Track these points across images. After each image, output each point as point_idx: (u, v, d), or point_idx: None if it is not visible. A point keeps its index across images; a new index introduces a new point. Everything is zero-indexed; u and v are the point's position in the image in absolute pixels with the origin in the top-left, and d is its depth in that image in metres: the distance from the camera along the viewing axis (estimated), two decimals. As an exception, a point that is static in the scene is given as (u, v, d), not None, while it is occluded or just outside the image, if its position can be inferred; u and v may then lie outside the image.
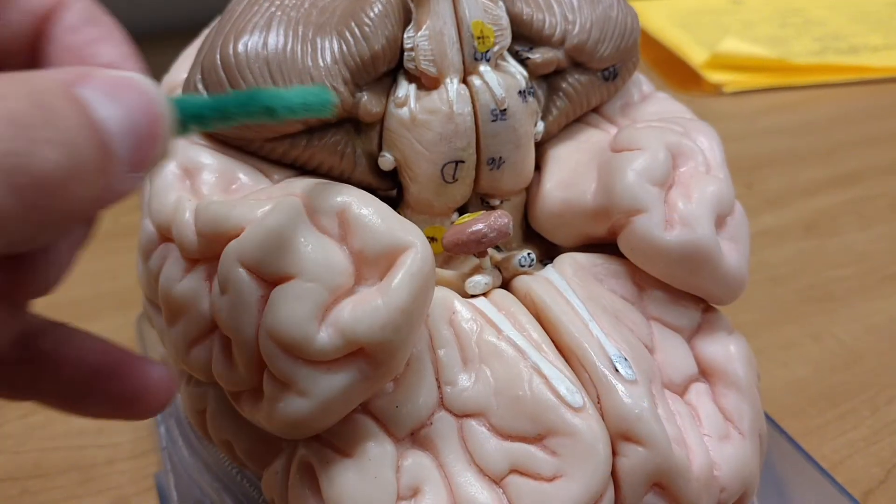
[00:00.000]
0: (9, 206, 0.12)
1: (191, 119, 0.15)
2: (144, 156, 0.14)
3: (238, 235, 0.18)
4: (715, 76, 0.59)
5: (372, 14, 0.21)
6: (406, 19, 0.22)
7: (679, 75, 0.61)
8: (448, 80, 0.21)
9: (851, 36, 0.65)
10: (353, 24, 0.21)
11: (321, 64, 0.21)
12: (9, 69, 0.15)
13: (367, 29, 0.21)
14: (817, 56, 0.61)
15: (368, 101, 0.21)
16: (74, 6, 0.16)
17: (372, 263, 0.18)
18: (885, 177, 0.49)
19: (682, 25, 0.67)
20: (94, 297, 0.39)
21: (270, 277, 0.17)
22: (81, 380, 0.16)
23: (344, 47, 0.21)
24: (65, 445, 0.31)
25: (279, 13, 0.22)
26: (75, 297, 0.39)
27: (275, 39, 0.21)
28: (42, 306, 0.42)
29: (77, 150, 0.13)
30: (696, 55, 0.61)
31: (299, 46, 0.21)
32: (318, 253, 0.17)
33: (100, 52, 0.15)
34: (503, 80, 0.21)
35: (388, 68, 0.22)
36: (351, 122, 0.22)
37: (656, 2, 0.73)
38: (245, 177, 0.21)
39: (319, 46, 0.21)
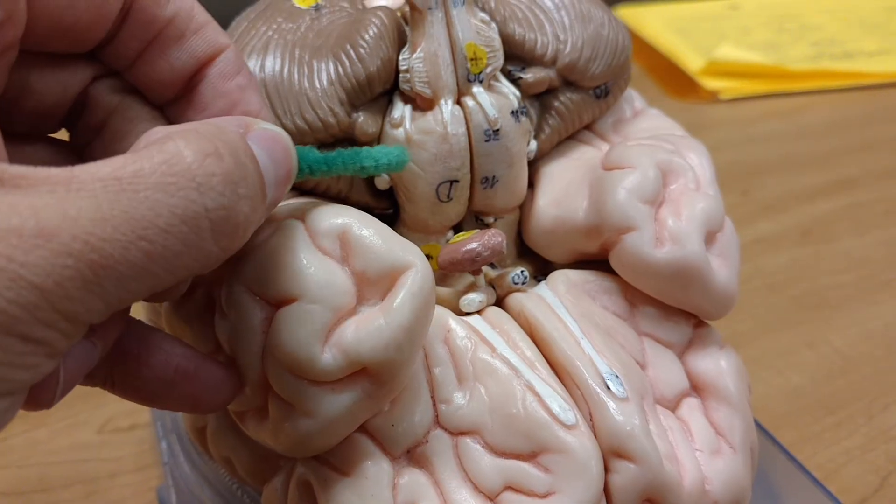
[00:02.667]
0: (213, 252, 0.14)
1: (306, 169, 0.18)
2: (278, 199, 0.17)
3: (241, 259, 0.18)
4: (711, 83, 0.59)
5: (367, 36, 0.21)
6: (401, 41, 0.22)
7: (675, 82, 0.61)
8: (443, 102, 0.21)
9: (847, 41, 0.66)
10: (348, 46, 0.21)
11: (318, 86, 0.21)
12: (161, 98, 0.18)
13: (362, 51, 0.21)
14: (813, 62, 0.62)
15: (364, 122, 0.22)
16: (226, 54, 0.18)
17: (373, 283, 0.18)
18: (881, 182, 0.49)
19: (678, 31, 0.68)
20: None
21: (274, 299, 0.18)
22: (164, 380, 0.18)
23: (340, 69, 0.21)
24: (68, 459, 0.31)
25: (276, 37, 0.22)
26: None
27: (272, 62, 0.21)
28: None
29: (258, 200, 0.15)
30: (692, 62, 0.62)
31: (296, 69, 0.21)
32: (321, 274, 0.18)
33: (247, 99, 0.18)
34: (496, 100, 0.22)
35: (383, 89, 0.22)
36: (347, 143, 0.22)
37: (652, 8, 0.73)
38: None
39: (316, 69, 0.21)
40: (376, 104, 0.22)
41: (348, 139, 0.22)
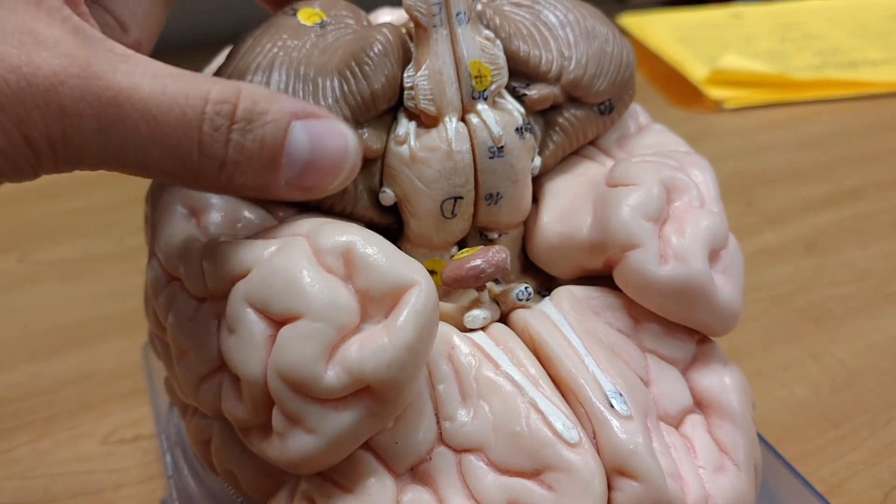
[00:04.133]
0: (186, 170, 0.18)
1: None
2: (309, 184, 0.19)
3: (245, 276, 0.19)
4: (715, 92, 0.59)
5: (372, 53, 0.22)
6: (405, 59, 0.22)
7: (679, 91, 0.61)
8: (447, 119, 0.22)
9: (851, 50, 0.66)
10: (353, 63, 0.22)
11: (322, 103, 0.21)
12: None
13: (367, 68, 0.21)
14: (817, 71, 0.62)
15: (369, 138, 0.22)
16: None
17: (377, 301, 0.18)
18: (885, 193, 0.49)
19: (681, 40, 0.68)
20: (100, 318, 0.40)
21: (278, 317, 0.18)
22: None
23: (345, 86, 0.21)
24: (73, 470, 0.31)
25: (281, 54, 0.22)
26: (81, 319, 0.40)
27: (277, 79, 0.22)
28: (48, 327, 0.42)
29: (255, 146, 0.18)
30: (696, 71, 0.62)
31: (301, 86, 0.22)
32: (325, 292, 0.18)
33: None
34: (500, 117, 0.22)
35: (388, 106, 0.22)
36: None
37: (655, 16, 0.73)
38: (250, 215, 0.21)
39: (321, 85, 0.22)
40: (381, 121, 0.22)
41: None
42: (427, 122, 0.22)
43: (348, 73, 0.22)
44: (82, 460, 0.32)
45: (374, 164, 0.22)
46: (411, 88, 0.22)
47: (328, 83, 0.22)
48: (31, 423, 0.33)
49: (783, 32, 0.69)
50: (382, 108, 0.22)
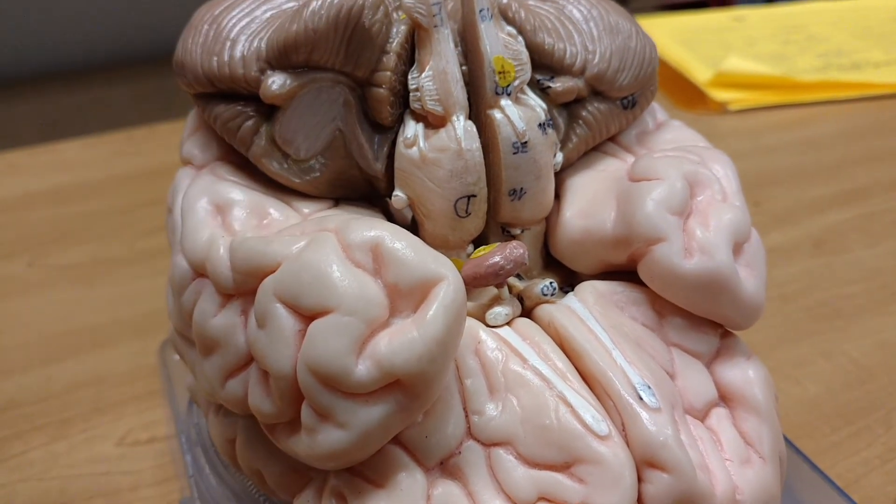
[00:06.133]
0: None
1: None
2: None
3: (274, 271, 0.19)
4: (719, 94, 0.59)
5: (306, 12, 0.21)
6: (385, 33, 0.22)
7: (684, 94, 0.61)
8: (455, 118, 0.22)
9: (854, 52, 0.66)
10: (292, 14, 0.21)
11: (255, 42, 0.21)
12: None
13: (296, 16, 0.21)
14: (820, 73, 0.62)
15: (275, 82, 0.21)
16: None
17: (406, 296, 0.18)
18: (891, 192, 0.49)
19: (684, 43, 0.68)
20: (113, 323, 0.40)
21: (308, 312, 0.18)
22: None
23: (276, 34, 0.21)
24: (88, 472, 0.31)
25: None
26: (94, 323, 0.40)
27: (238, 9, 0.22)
28: (60, 331, 0.42)
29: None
30: (699, 73, 0.62)
31: (245, 21, 0.22)
32: (354, 287, 0.18)
33: None
34: (524, 113, 0.22)
35: (303, 59, 0.21)
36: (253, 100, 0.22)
37: (659, 19, 0.73)
38: (276, 211, 0.21)
39: (263, 27, 0.22)
40: (298, 74, 0.21)
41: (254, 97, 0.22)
42: (434, 122, 0.22)
43: (283, 22, 0.21)
44: (97, 462, 0.32)
45: (278, 112, 0.22)
46: (417, 90, 0.22)
47: (267, 28, 0.21)
48: (45, 426, 0.33)
49: (786, 35, 0.70)
50: (298, 60, 0.21)
